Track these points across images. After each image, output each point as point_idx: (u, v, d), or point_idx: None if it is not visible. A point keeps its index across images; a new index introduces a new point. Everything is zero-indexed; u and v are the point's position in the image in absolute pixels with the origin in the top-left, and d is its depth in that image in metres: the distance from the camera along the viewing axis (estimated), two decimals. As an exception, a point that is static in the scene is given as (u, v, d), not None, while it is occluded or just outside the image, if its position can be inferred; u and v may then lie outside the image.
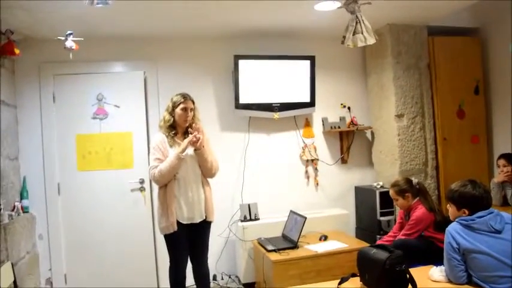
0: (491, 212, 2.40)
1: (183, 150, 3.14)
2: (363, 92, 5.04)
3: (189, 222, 3.26)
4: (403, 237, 3.55)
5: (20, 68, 4.08)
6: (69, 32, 3.23)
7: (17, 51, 3.57)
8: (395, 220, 4.43)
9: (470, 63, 4.79)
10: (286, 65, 4.56)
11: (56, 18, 3.49)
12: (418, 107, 4.61)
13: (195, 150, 3.23)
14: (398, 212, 3.95)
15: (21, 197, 3.96)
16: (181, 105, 3.25)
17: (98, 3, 3.14)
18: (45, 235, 4.14)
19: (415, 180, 3.75)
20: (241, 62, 4.38)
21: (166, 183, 3.21)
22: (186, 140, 3.18)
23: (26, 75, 4.10)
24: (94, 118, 4.24)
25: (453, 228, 2.44)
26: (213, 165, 3.32)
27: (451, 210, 2.58)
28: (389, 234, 3.84)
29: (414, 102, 4.58)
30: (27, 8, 3.22)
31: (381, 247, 3.46)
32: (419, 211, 3.56)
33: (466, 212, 2.44)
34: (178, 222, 3.21)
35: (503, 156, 3.95)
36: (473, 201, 2.44)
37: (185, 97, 3.28)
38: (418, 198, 3.65)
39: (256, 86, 4.48)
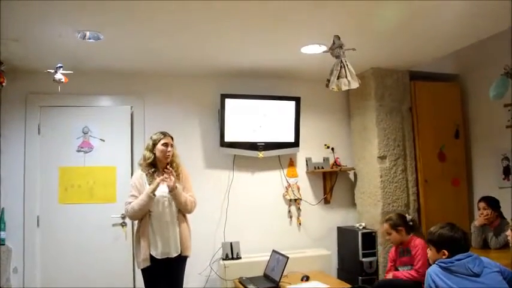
0: (470, 256, 2.43)
1: (154, 190, 3.22)
2: (347, 133, 5.12)
3: (164, 257, 3.31)
4: (417, 273, 3.47)
5: (6, 98, 4.07)
6: (59, 64, 3.27)
7: (0, 79, 3.60)
8: (377, 261, 4.43)
9: (451, 108, 4.93)
10: (271, 105, 4.63)
11: (46, 50, 3.55)
12: (400, 149, 4.69)
13: (169, 191, 3.32)
14: (389, 254, 3.94)
15: (-1, 229, 3.89)
16: (162, 141, 3.38)
17: (89, 38, 3.22)
18: (20, 269, 4.02)
19: (409, 216, 3.79)
20: (227, 101, 4.44)
21: (139, 219, 3.33)
22: (157, 180, 3.25)
23: (12, 106, 4.11)
24: (78, 151, 4.23)
25: (433, 270, 2.47)
26: (188, 204, 3.38)
27: (430, 253, 2.62)
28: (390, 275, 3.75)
29: (396, 145, 4.67)
30: (19, 39, 3.27)
31: (364, 288, 3.47)
32: (418, 241, 3.58)
33: (446, 253, 2.47)
34: (152, 258, 3.28)
35: (483, 199, 4.00)
36: (452, 242, 2.48)
37: (164, 134, 3.44)
38: (412, 234, 3.69)
39: (242, 125, 4.54)
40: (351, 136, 5.10)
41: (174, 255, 3.33)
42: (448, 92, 4.96)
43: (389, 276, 3.67)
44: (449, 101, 4.94)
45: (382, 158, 4.61)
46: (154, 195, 3.23)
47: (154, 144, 3.37)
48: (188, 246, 3.41)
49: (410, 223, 3.73)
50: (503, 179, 4.53)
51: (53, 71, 3.28)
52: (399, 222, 3.72)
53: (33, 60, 3.79)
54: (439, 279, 2.40)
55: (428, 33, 3.62)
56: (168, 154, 3.38)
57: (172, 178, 3.28)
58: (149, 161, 3.36)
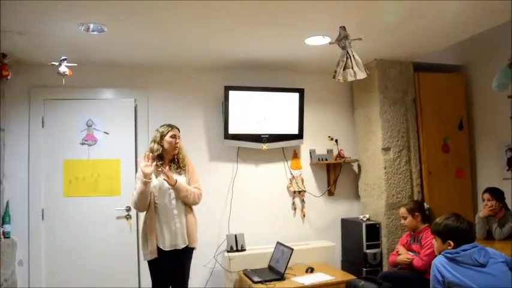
0: (475, 246, 2.44)
1: (147, 176, 3.20)
2: (350, 125, 5.12)
3: (172, 249, 3.33)
4: (425, 258, 3.51)
5: (9, 91, 4.05)
6: (63, 57, 3.26)
7: (5, 73, 3.60)
8: (381, 253, 4.45)
9: (455, 99, 4.91)
10: (275, 97, 4.62)
11: (50, 43, 3.54)
12: (404, 141, 4.69)
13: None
14: (400, 239, 3.98)
15: (3, 222, 3.90)
16: (170, 133, 3.41)
17: (93, 31, 3.21)
18: (25, 262, 4.04)
19: (426, 205, 3.83)
20: (231, 93, 4.43)
21: (143, 209, 3.33)
22: (141, 165, 3.24)
23: (16, 99, 4.09)
24: (82, 144, 4.23)
25: (439, 261, 2.48)
26: (189, 196, 3.38)
27: (436, 244, 2.63)
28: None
29: (400, 136, 4.67)
30: (23, 32, 3.26)
31: (369, 279, 3.48)
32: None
33: (451, 244, 2.48)
34: (160, 249, 3.29)
35: (487, 190, 4.01)
36: (458, 233, 2.49)
37: (172, 126, 3.46)
38: (428, 224, 3.73)
39: (246, 117, 4.53)
40: (355, 128, 5.09)
41: (182, 246, 3.36)
42: (452, 83, 4.95)
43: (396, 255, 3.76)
44: (453, 92, 4.92)
45: (386, 149, 4.61)
46: (148, 179, 3.21)
47: (162, 136, 3.39)
48: (195, 238, 3.43)
49: (427, 212, 3.76)
50: (507, 170, 4.53)
51: (57, 63, 3.28)
52: (416, 208, 3.79)
53: (37, 53, 3.78)
54: (445, 269, 2.41)
55: (432, 24, 3.60)
56: (176, 146, 3.41)
57: (169, 175, 3.30)
58: (157, 153, 3.36)
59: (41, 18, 3.03)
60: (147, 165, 3.22)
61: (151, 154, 3.31)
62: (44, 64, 3.61)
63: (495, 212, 3.92)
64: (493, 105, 4.68)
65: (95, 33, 3.29)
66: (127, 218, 4.26)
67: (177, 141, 3.42)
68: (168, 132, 3.40)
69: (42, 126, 4.17)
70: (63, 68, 3.27)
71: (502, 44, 4.28)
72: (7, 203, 3.98)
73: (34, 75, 4.11)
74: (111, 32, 3.36)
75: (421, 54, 4.57)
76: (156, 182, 3.33)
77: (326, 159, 4.90)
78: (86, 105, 4.28)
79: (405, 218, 3.82)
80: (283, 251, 4.08)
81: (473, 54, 4.92)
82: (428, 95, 4.80)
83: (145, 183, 3.21)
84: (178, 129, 3.48)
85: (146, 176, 3.20)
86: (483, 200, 4.03)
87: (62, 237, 4.13)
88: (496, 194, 3.96)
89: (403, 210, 3.86)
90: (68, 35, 3.37)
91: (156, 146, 3.38)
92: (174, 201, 3.35)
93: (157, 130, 3.45)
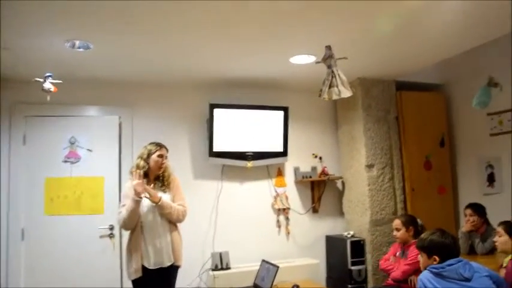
0: (460, 261, 2.46)
1: (138, 194, 3.18)
2: (334, 142, 5.17)
3: (157, 267, 3.29)
4: (404, 267, 3.58)
5: (-9, 108, 4.00)
6: (48, 73, 3.23)
7: None
8: (366, 269, 4.45)
9: (436, 117, 5.01)
10: (260, 115, 4.65)
11: (34, 59, 3.52)
12: (387, 158, 4.74)
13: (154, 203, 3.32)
14: (390, 250, 4.01)
15: (-19, 243, 3.80)
16: (158, 152, 3.40)
17: (79, 47, 3.20)
18: (3, 285, 3.91)
19: (420, 221, 3.85)
20: (216, 111, 4.44)
21: (131, 227, 3.29)
22: (137, 186, 3.19)
23: (-3, 116, 4.04)
24: (65, 161, 4.17)
25: (425, 276, 2.49)
26: (174, 214, 3.35)
27: (422, 259, 2.64)
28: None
29: (383, 153, 4.72)
30: (10, 48, 3.24)
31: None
32: None
33: (437, 259, 2.49)
34: (144, 268, 3.25)
35: (469, 206, 4.07)
36: (443, 248, 2.51)
37: (161, 145, 3.46)
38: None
39: (230, 135, 4.54)
40: (339, 145, 5.14)
41: (167, 264, 3.31)
42: (433, 102, 5.05)
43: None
44: (435, 110, 5.02)
45: (369, 166, 4.65)
46: (140, 198, 3.19)
47: (150, 154, 3.37)
48: (180, 255, 3.39)
49: (420, 228, 3.78)
50: (488, 186, 4.61)
51: (41, 80, 3.24)
52: (411, 222, 3.80)
53: (21, 69, 3.74)
54: (431, 284, 2.42)
55: (415, 45, 3.70)
56: (162, 165, 3.40)
57: (152, 193, 3.27)
58: (143, 170, 3.33)
59: (26, 34, 3.01)
60: (139, 184, 3.19)
61: (140, 171, 3.28)
62: (27, 80, 3.55)
63: (477, 227, 3.97)
64: (473, 122, 4.78)
65: (80, 50, 3.28)
66: (110, 237, 4.19)
67: (164, 161, 3.41)
68: (156, 151, 3.39)
69: (24, 143, 4.11)
70: (47, 85, 3.22)
71: (480, 63, 4.42)
72: (-15, 222, 3.89)
73: (16, 92, 4.06)
74: (96, 49, 3.36)
75: (404, 73, 4.67)
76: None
77: (310, 177, 4.92)
78: (69, 122, 4.23)
79: (398, 230, 3.81)
80: (269, 268, 4.05)
81: (453, 73, 5.04)
82: (411, 113, 4.88)
83: (137, 202, 3.18)
84: (167, 149, 3.48)
85: (138, 194, 3.17)
86: (465, 216, 4.08)
87: (43, 258, 4.03)
88: (477, 209, 4.02)
89: (397, 222, 3.85)
90: (52, 52, 3.36)
91: (142, 163, 3.36)
92: (158, 219, 3.32)
93: (145, 147, 3.44)
